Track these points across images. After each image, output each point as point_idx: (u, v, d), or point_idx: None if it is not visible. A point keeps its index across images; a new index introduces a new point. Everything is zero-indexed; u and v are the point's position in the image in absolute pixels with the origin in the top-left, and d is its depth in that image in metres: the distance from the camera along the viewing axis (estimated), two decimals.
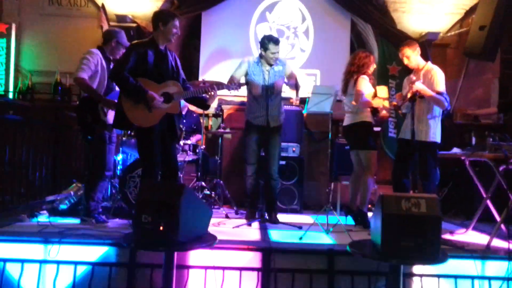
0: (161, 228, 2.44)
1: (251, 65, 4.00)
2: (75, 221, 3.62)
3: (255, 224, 3.86)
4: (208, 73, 5.89)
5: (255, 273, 2.91)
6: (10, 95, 5.54)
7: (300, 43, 6.14)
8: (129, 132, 4.18)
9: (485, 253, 3.03)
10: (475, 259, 2.93)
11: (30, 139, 4.28)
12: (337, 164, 4.77)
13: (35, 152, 4.34)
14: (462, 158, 3.63)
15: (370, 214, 3.83)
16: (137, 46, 3.26)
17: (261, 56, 3.99)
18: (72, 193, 3.94)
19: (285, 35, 6.10)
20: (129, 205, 3.96)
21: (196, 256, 2.92)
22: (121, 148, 4.36)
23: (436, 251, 2.36)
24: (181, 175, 4.33)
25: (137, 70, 3.17)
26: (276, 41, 3.89)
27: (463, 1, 5.73)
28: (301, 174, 4.86)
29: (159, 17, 3.27)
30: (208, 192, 4.66)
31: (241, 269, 2.91)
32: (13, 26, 5.63)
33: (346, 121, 4.03)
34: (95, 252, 2.94)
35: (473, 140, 4.01)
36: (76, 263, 2.91)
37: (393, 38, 5.53)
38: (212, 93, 3.40)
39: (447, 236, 3.41)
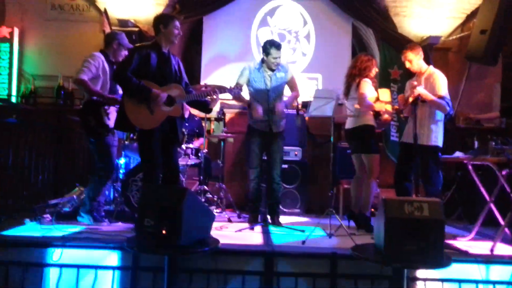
0: (163, 232, 2.44)
1: (252, 72, 4.00)
2: (78, 225, 3.62)
3: (258, 228, 3.85)
4: (210, 77, 5.90)
5: (258, 277, 2.90)
6: (13, 99, 5.58)
7: (302, 47, 6.15)
8: (131, 135, 4.19)
9: (489, 257, 3.01)
10: (479, 263, 2.92)
11: (32, 143, 4.30)
12: (339, 167, 4.77)
13: (38, 156, 4.35)
14: (465, 162, 3.63)
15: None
16: (140, 48, 3.28)
17: (263, 61, 4.00)
18: (75, 196, 3.96)
19: (287, 39, 6.11)
20: (131, 208, 3.96)
21: (198, 260, 2.91)
22: (123, 152, 4.37)
23: (440, 255, 2.36)
24: (184, 179, 4.33)
25: (139, 72, 3.17)
26: (278, 46, 3.90)
27: (464, 5, 5.74)
28: (303, 178, 4.86)
29: (160, 20, 3.30)
30: (210, 196, 4.67)
31: (243, 273, 2.90)
32: (16, 30, 5.66)
33: (349, 125, 4.02)
34: (98, 256, 2.94)
35: (476, 144, 4.00)
36: (79, 267, 2.91)
37: (395, 42, 5.54)
38: (214, 96, 3.41)
39: (450, 241, 3.40)
